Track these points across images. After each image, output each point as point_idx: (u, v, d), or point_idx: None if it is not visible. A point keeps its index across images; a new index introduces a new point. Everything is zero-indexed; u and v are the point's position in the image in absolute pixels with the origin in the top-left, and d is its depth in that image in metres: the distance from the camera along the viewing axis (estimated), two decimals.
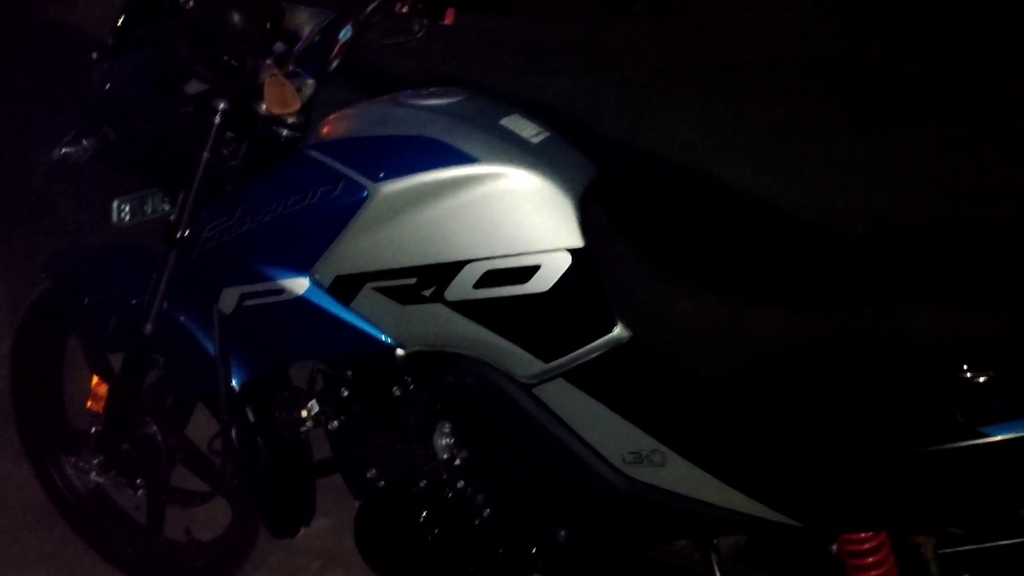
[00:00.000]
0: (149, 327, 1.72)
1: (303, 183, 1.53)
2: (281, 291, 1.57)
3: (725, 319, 1.37)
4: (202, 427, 1.88)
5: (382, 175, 1.47)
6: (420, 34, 1.71)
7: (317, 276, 1.54)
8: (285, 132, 1.61)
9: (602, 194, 1.48)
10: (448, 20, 1.69)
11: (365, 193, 1.47)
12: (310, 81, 1.63)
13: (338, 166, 1.50)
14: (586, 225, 1.43)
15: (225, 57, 1.55)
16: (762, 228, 3.32)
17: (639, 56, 5.44)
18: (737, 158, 4.08)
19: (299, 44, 1.68)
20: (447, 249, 1.45)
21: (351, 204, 1.48)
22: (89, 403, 1.95)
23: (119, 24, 1.62)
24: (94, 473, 1.92)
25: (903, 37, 5.31)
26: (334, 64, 1.63)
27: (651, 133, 4.39)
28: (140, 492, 1.94)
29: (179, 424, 1.93)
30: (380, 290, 1.50)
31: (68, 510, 2.15)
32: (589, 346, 1.43)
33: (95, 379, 1.94)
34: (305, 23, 1.71)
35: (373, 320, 1.53)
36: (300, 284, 1.55)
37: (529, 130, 1.52)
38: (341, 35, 1.63)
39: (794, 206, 3.67)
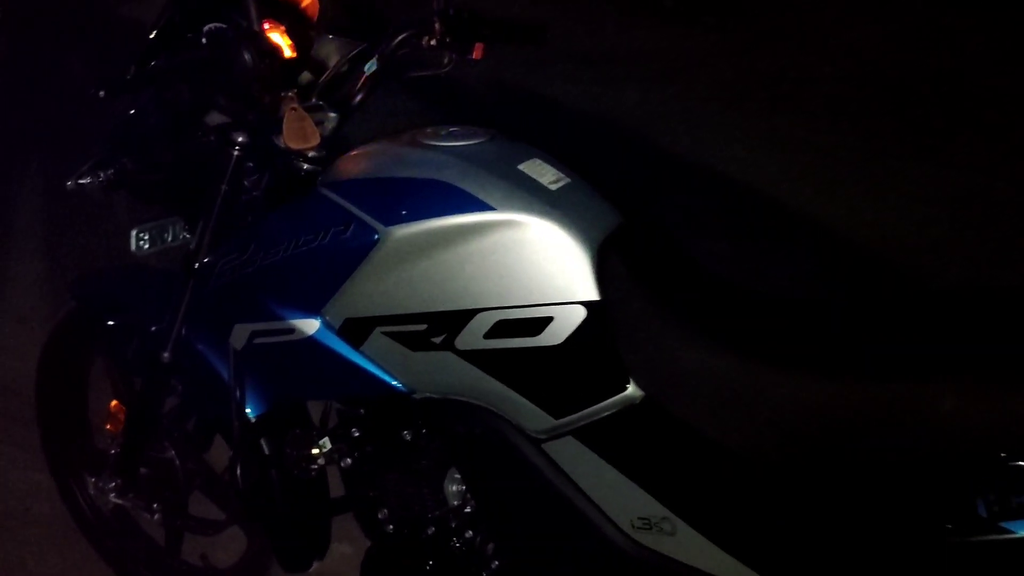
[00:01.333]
0: (167, 355, 1.71)
1: (315, 223, 1.49)
2: (291, 331, 1.54)
3: (746, 383, 1.29)
4: (225, 454, 1.86)
5: (394, 219, 1.43)
6: (448, 68, 1.67)
7: (328, 317, 1.50)
8: (305, 166, 1.57)
9: (622, 245, 1.42)
10: (477, 55, 1.64)
11: (376, 236, 1.43)
12: (332, 115, 1.59)
13: (351, 207, 1.46)
14: (602, 278, 1.37)
15: (246, 90, 1.52)
16: (802, 281, 3.19)
17: (707, 68, 5.33)
18: (800, 182, 3.96)
19: (324, 75, 1.66)
20: (458, 297, 1.40)
21: (362, 246, 1.44)
22: (108, 425, 1.95)
23: (141, 55, 1.61)
24: (113, 495, 1.91)
25: (980, 54, 5.12)
26: (358, 97, 1.59)
27: (714, 151, 4.29)
28: (157, 516, 1.93)
29: (198, 450, 1.91)
30: (390, 335, 1.46)
31: (89, 528, 2.16)
32: (600, 404, 1.37)
33: (114, 402, 1.93)
34: (332, 54, 1.68)
35: (383, 364, 1.49)
36: (311, 325, 1.52)
37: (549, 176, 1.46)
38: (367, 67, 1.59)
39: (850, 236, 3.55)
